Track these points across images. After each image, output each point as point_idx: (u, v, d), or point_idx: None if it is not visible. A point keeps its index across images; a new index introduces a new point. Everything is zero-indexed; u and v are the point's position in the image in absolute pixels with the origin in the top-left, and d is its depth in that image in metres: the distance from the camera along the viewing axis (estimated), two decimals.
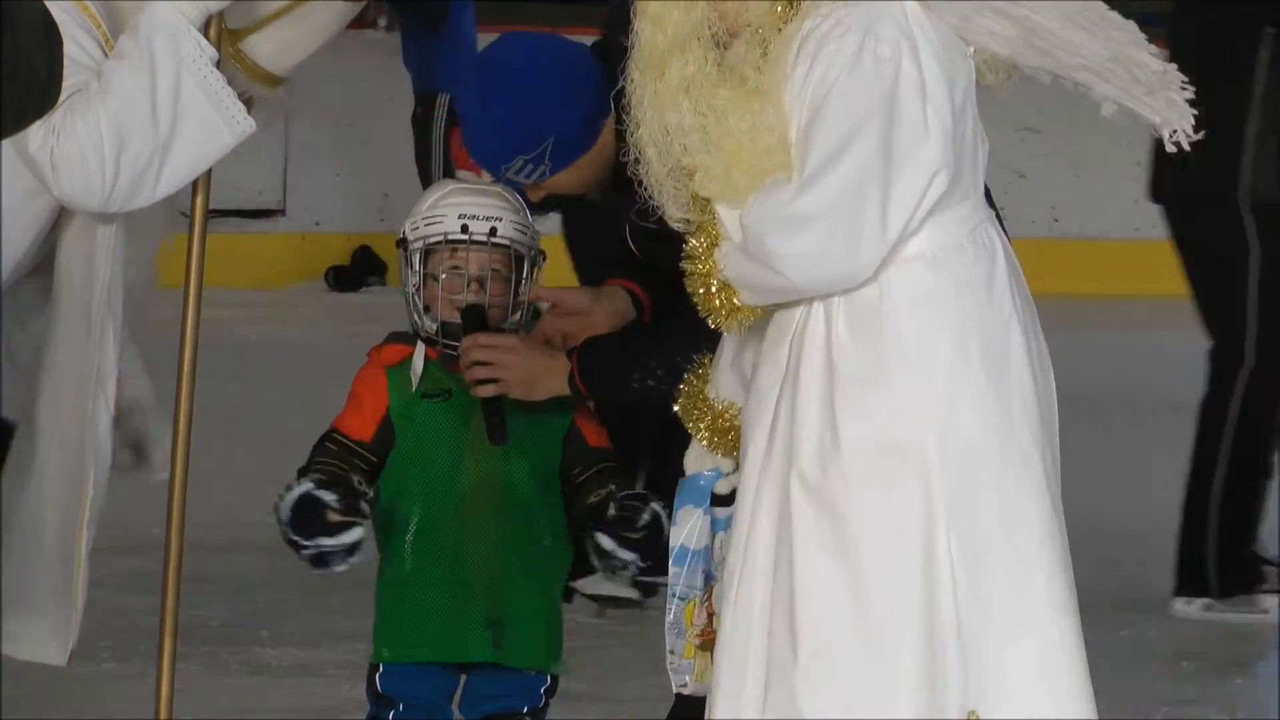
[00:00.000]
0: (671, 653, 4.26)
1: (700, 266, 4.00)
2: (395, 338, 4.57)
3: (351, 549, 4.51)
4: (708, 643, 4.13)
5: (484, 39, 12.77)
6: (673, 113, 3.97)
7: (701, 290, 3.98)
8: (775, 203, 3.84)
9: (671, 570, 4.24)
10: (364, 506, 4.53)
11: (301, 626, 6.77)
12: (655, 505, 4.57)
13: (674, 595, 4.23)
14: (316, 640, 6.49)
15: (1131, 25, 4.09)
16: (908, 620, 3.88)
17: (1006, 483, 3.94)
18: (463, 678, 4.55)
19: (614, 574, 4.72)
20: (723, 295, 3.97)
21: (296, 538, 4.53)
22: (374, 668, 4.55)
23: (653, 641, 5.25)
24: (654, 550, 4.56)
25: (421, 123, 11.94)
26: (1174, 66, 4.10)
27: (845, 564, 3.90)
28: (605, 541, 4.49)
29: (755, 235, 3.90)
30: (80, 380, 4.56)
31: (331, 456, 4.60)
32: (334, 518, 4.50)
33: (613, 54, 4.47)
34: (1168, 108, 4.05)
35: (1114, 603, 7.13)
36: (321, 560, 4.54)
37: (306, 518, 4.50)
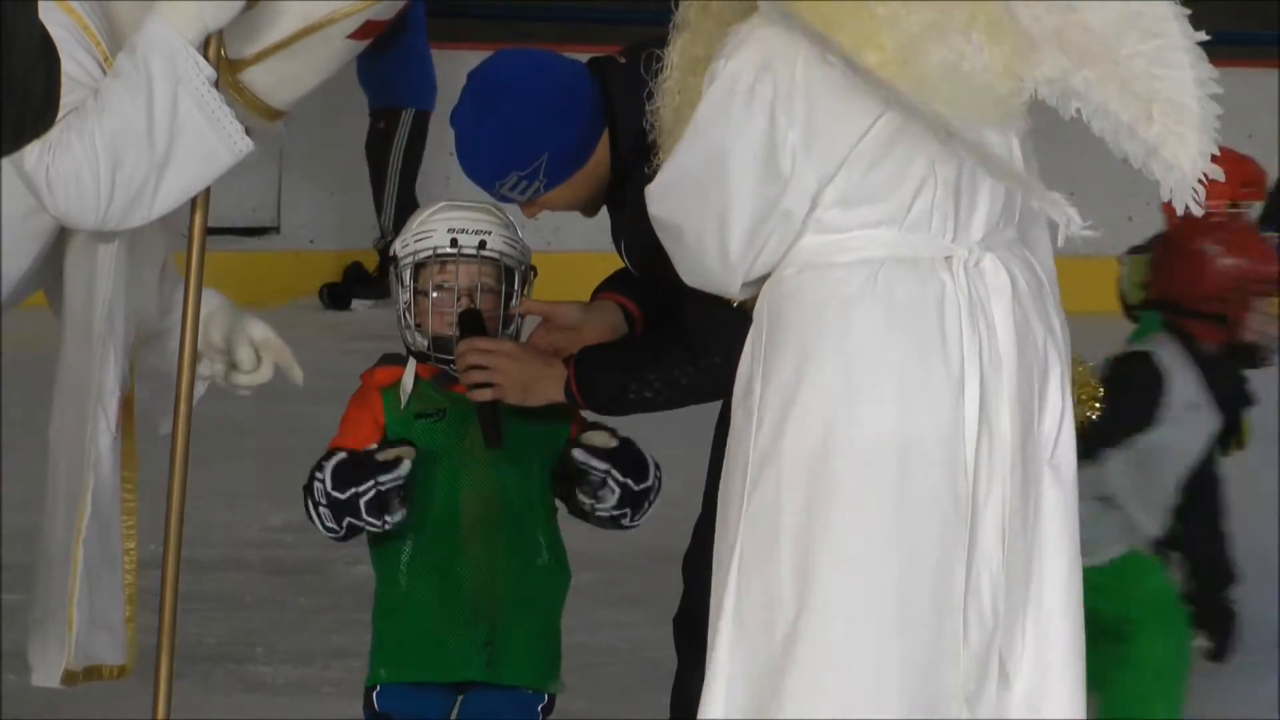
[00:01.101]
0: None
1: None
2: (387, 359, 4.58)
3: (404, 494, 4.48)
4: None
5: (437, 54, 12.87)
6: (670, 87, 4.13)
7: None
8: (648, 189, 4.07)
9: None
10: (406, 448, 4.53)
11: (296, 644, 6.77)
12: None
13: None
14: (311, 658, 6.51)
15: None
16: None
17: (885, 508, 4.05)
18: (459, 697, 4.53)
19: (596, 498, 4.67)
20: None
21: (352, 489, 4.49)
22: (370, 688, 4.56)
23: (655, 661, 5.33)
24: (629, 461, 4.61)
25: (380, 137, 11.98)
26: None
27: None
28: (578, 454, 4.51)
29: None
30: (82, 398, 4.54)
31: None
32: (384, 455, 4.50)
33: (608, 71, 4.55)
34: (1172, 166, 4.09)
35: None
36: (380, 504, 4.49)
37: (353, 470, 4.50)
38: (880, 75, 4.02)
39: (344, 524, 4.53)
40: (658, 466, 4.73)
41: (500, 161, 4.49)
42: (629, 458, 4.66)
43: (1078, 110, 4.12)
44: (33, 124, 4.05)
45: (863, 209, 3.99)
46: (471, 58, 6.02)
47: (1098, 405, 4.94)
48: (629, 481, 4.61)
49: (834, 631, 4.07)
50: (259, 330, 4.78)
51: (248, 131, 4.40)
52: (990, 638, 4.04)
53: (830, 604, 4.03)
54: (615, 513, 4.64)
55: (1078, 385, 4.54)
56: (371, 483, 4.46)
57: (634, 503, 4.72)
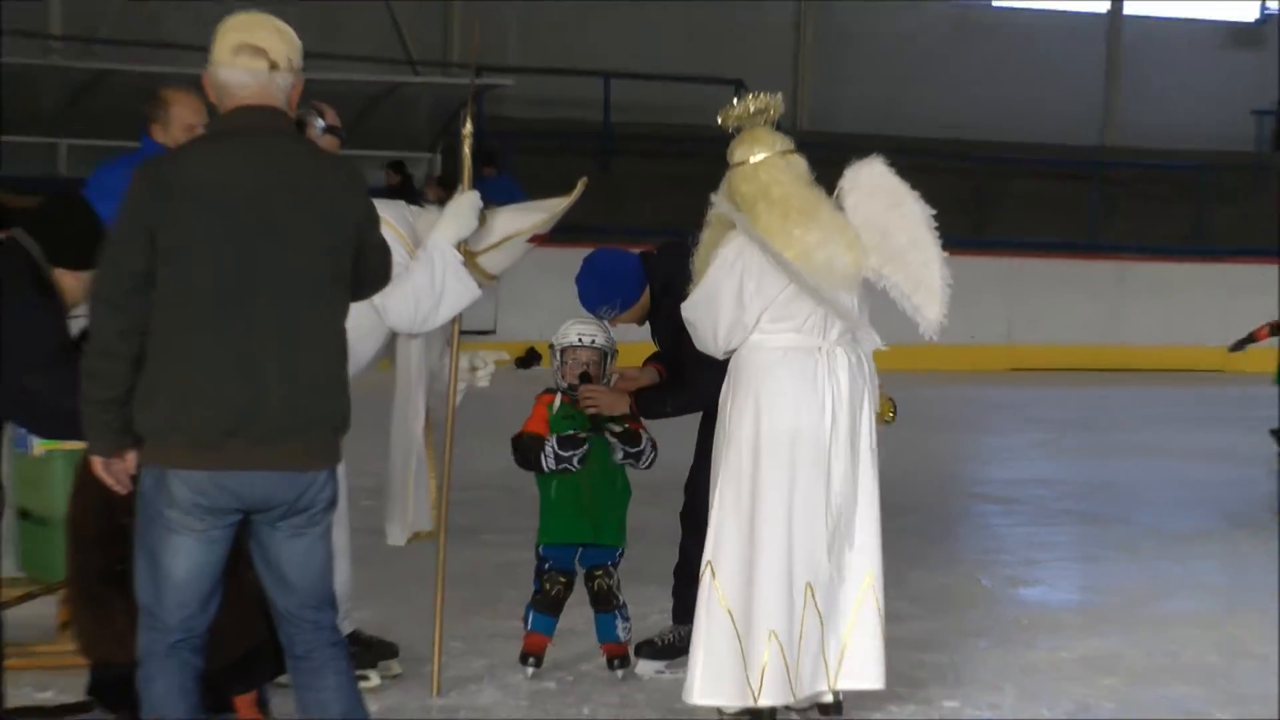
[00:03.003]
0: None
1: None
2: (547, 390, 6.76)
3: (583, 458, 6.53)
4: None
5: None
6: (702, 248, 6.12)
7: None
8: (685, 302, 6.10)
9: None
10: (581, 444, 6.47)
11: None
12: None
13: None
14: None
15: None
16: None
17: (785, 467, 5.98)
18: (580, 549, 6.75)
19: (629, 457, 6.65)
20: None
21: (570, 450, 6.52)
22: (538, 546, 6.73)
23: (663, 686, 6.84)
24: (629, 438, 6.55)
25: None
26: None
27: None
28: (616, 447, 6.53)
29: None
30: (405, 407, 6.52)
31: (531, 438, 6.63)
32: (579, 436, 6.50)
33: (647, 258, 6.78)
34: (918, 311, 6.02)
35: None
36: (575, 460, 6.52)
37: (567, 442, 6.52)
38: (794, 265, 5.93)
39: (560, 466, 6.54)
40: (654, 442, 6.70)
41: (599, 302, 6.72)
42: (629, 438, 6.60)
43: (883, 287, 6.04)
44: (379, 285, 5.04)
45: (781, 323, 6.02)
46: None
47: (893, 415, 6.53)
48: (628, 449, 6.68)
49: (771, 524, 5.98)
50: (480, 358, 6.60)
51: (480, 285, 6.19)
52: (837, 524, 6.05)
53: (765, 512, 6.01)
54: (633, 456, 6.67)
55: (882, 404, 6.35)
56: (577, 451, 6.55)
57: (634, 457, 6.70)
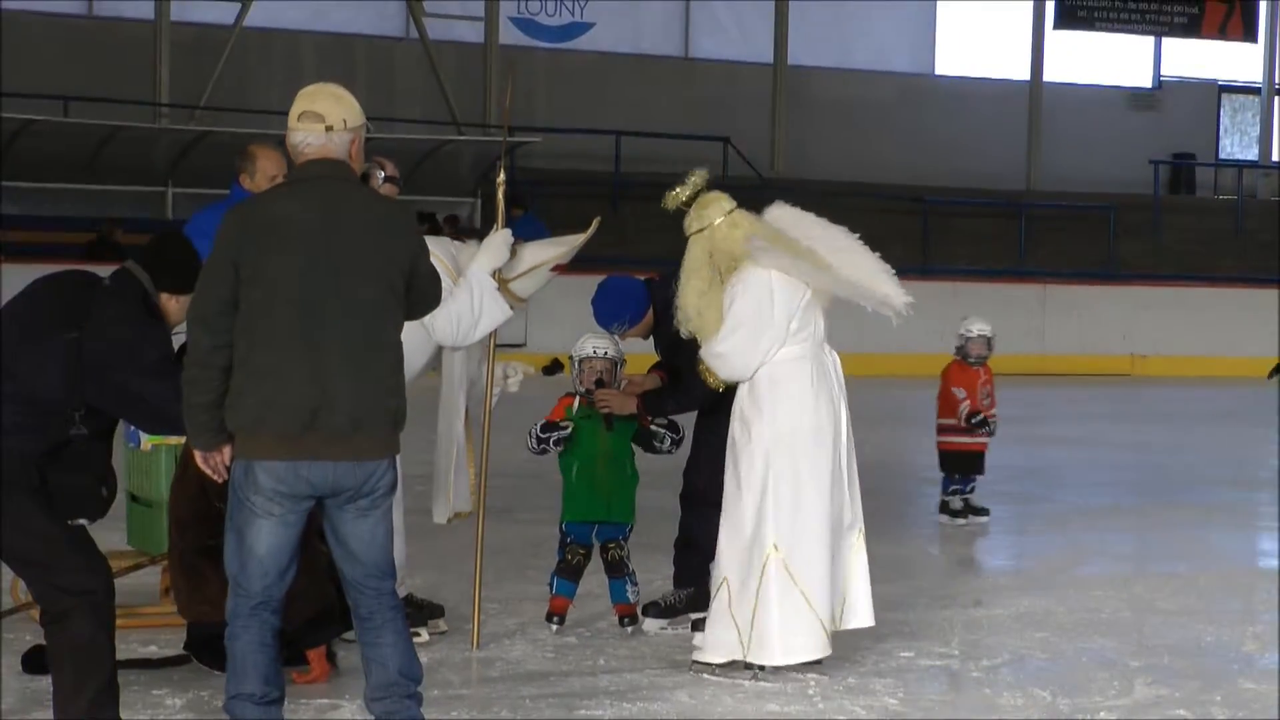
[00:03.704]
0: None
1: (701, 365, 6.25)
2: (568, 394, 6.81)
3: (560, 440, 6.56)
4: None
5: None
6: (692, 298, 6.13)
7: (702, 369, 6.24)
8: (710, 344, 6.11)
9: None
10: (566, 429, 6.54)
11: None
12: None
13: None
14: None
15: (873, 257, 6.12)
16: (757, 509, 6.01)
17: (816, 456, 6.05)
18: (596, 525, 6.79)
19: (654, 446, 6.67)
20: (709, 375, 6.25)
21: (541, 435, 6.58)
22: (561, 524, 6.76)
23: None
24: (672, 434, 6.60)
25: None
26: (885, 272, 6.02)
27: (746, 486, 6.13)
28: (654, 428, 6.58)
29: (705, 353, 6.15)
30: (451, 407, 6.62)
31: (550, 427, 6.67)
32: (562, 425, 6.58)
33: (652, 283, 6.81)
34: (887, 297, 6.09)
35: None
36: (544, 445, 6.58)
37: (549, 428, 6.61)
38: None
39: (540, 446, 6.58)
40: (680, 429, 6.71)
41: (611, 319, 6.76)
42: (651, 435, 6.69)
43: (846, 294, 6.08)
44: (430, 308, 5.04)
45: (800, 332, 6.04)
46: None
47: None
48: (672, 435, 6.72)
49: (820, 506, 5.96)
50: (512, 367, 6.67)
51: (512, 307, 6.29)
52: (844, 497, 6.11)
53: (813, 497, 5.96)
54: (662, 448, 6.74)
55: None
56: (555, 433, 6.65)
57: (676, 443, 6.71)
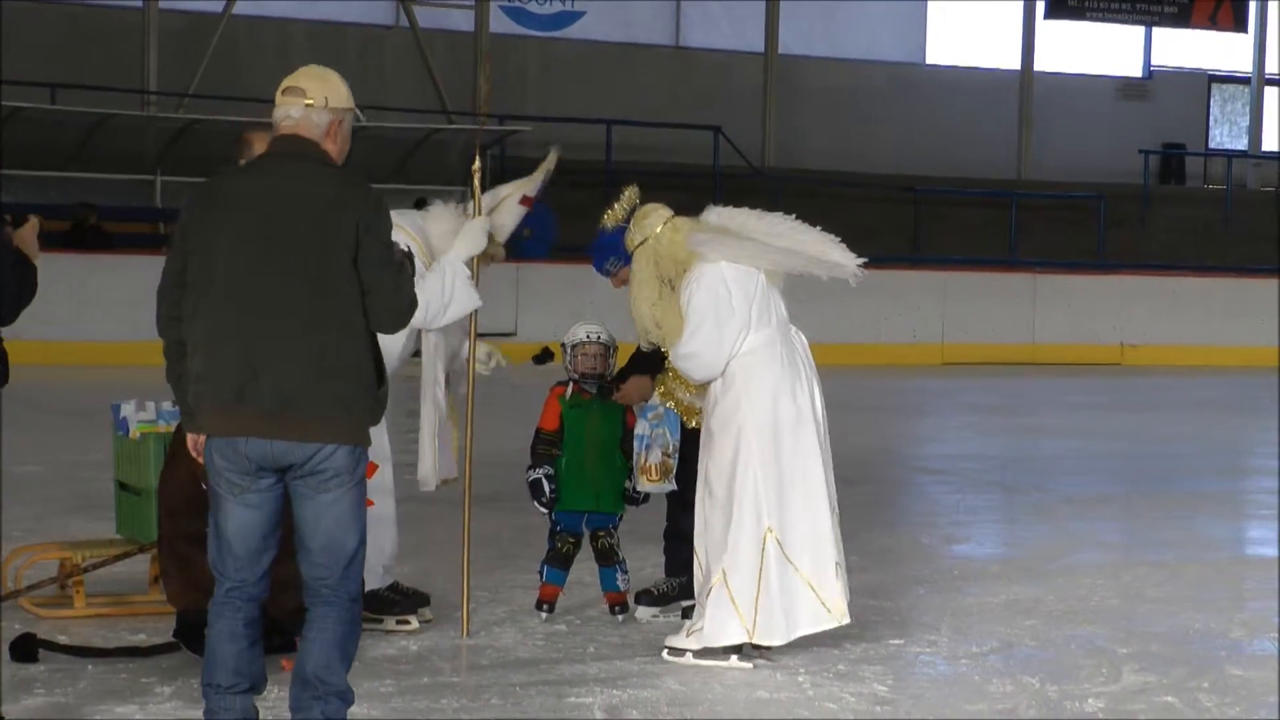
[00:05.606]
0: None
1: (671, 372, 6.27)
2: (560, 382, 6.77)
3: (550, 501, 6.62)
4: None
5: None
6: (645, 309, 6.15)
7: (671, 374, 6.29)
8: (676, 348, 6.07)
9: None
10: (550, 490, 6.55)
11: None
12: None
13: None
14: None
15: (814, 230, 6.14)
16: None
17: (799, 434, 6.04)
18: (585, 514, 6.77)
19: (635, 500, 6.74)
20: (680, 382, 6.29)
21: (534, 493, 6.63)
22: (551, 514, 6.73)
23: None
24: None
25: None
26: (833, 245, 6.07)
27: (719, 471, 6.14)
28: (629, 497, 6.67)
29: (674, 358, 6.12)
30: (433, 386, 6.55)
31: (544, 444, 6.65)
32: (545, 489, 6.61)
33: None
34: (839, 265, 6.12)
35: None
36: (536, 489, 6.63)
37: (534, 488, 6.63)
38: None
39: (534, 498, 6.59)
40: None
41: (603, 257, 6.42)
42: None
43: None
44: (380, 271, 4.69)
45: (761, 318, 6.04)
46: None
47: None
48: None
49: (815, 483, 6.00)
50: (493, 352, 6.60)
51: (492, 258, 6.22)
52: (831, 475, 6.12)
53: (809, 475, 6.00)
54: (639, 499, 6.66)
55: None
56: (539, 500, 6.61)
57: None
